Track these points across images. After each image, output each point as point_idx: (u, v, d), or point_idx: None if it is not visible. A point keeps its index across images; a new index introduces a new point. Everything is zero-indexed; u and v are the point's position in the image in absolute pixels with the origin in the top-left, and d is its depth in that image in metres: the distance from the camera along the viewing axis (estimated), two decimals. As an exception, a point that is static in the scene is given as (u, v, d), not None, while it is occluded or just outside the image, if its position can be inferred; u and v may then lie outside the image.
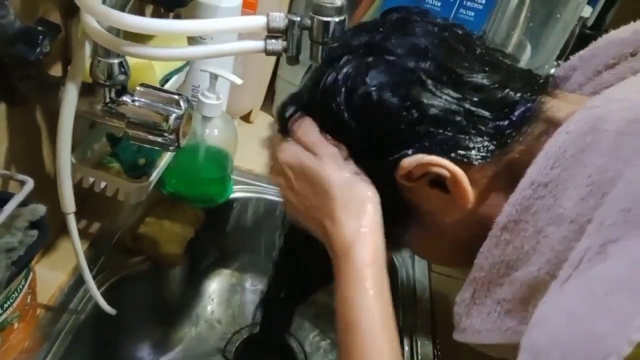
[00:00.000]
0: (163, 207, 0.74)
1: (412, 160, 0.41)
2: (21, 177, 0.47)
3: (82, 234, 0.67)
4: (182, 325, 0.82)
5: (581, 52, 0.49)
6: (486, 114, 0.41)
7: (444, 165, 0.41)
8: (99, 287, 0.60)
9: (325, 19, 0.42)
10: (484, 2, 0.80)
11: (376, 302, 0.41)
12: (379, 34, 0.44)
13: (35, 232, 0.47)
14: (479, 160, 0.41)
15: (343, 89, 0.43)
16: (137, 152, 0.62)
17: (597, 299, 0.29)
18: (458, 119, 0.41)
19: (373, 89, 0.42)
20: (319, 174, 0.44)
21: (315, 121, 0.46)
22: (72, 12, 0.51)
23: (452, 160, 0.41)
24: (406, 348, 0.67)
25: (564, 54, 1.03)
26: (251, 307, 0.86)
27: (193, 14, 0.71)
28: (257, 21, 0.43)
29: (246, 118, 1.01)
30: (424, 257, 0.64)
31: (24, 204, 0.46)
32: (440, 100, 0.41)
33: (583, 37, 1.10)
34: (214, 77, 0.67)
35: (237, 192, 0.83)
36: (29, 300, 0.53)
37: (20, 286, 0.50)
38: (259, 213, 0.85)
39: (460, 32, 0.46)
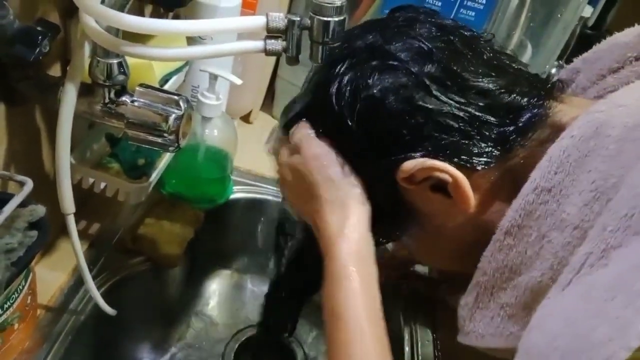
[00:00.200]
0: (163, 208, 0.74)
1: (414, 164, 0.41)
2: (20, 178, 0.47)
3: (82, 234, 0.67)
4: (182, 325, 0.82)
5: (584, 55, 0.49)
6: (491, 119, 0.41)
7: (446, 170, 0.41)
8: (99, 288, 0.60)
9: (325, 18, 0.42)
10: (484, 2, 0.80)
11: (361, 296, 0.42)
12: (384, 36, 0.44)
13: (34, 233, 0.47)
14: (482, 166, 0.41)
15: (347, 93, 0.43)
16: (136, 153, 0.62)
17: (597, 304, 0.29)
18: (462, 124, 0.41)
19: (377, 93, 0.42)
20: (306, 175, 0.45)
21: (317, 122, 0.46)
22: (71, 12, 0.51)
23: (455, 165, 0.41)
24: (407, 348, 0.67)
25: (565, 54, 1.03)
26: (251, 308, 0.86)
27: (192, 14, 0.70)
28: (257, 21, 0.43)
29: (246, 118, 1.01)
30: (423, 260, 0.64)
31: (23, 204, 0.46)
32: (444, 105, 0.41)
33: (584, 37, 1.10)
34: (214, 77, 0.67)
35: (237, 193, 0.83)
36: (29, 301, 0.52)
37: (20, 287, 0.50)
38: (258, 213, 0.85)
39: (467, 34, 0.45)
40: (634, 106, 0.36)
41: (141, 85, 0.48)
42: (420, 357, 0.66)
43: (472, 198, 0.41)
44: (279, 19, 0.43)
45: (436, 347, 0.67)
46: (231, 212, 0.83)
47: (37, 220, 0.47)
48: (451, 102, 0.41)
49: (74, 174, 0.56)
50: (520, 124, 0.41)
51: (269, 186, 0.85)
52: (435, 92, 0.41)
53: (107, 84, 0.47)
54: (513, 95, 0.42)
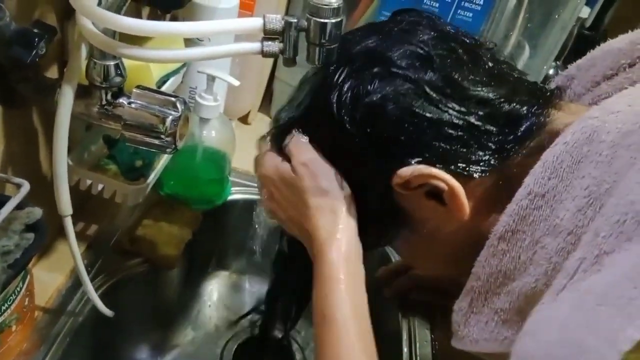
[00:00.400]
0: (161, 209, 0.74)
1: (411, 170, 0.42)
2: (17, 180, 0.47)
3: (80, 236, 0.67)
4: (180, 327, 0.82)
5: (579, 62, 0.49)
6: (490, 128, 0.41)
7: (442, 178, 0.41)
8: (96, 290, 0.60)
9: (322, 20, 0.42)
10: (482, 2, 0.80)
11: (348, 298, 0.43)
12: (386, 42, 0.44)
13: (31, 235, 0.47)
14: (479, 174, 0.41)
15: (348, 99, 0.43)
16: (134, 154, 0.62)
17: (589, 311, 0.29)
18: (461, 132, 0.41)
19: (377, 100, 0.42)
20: (295, 181, 0.46)
21: (312, 128, 0.46)
22: (68, 14, 0.51)
23: (452, 173, 0.41)
24: (405, 349, 0.67)
25: (563, 55, 1.03)
26: (249, 309, 0.86)
27: (190, 15, 0.70)
28: (254, 23, 0.42)
29: (244, 119, 1.01)
30: (416, 265, 0.65)
31: (20, 207, 0.46)
32: (444, 113, 0.41)
33: (581, 37, 1.11)
34: (211, 78, 0.67)
35: (235, 194, 0.83)
36: (26, 303, 0.52)
37: (18, 289, 0.50)
38: (257, 215, 0.85)
39: (468, 41, 0.45)
40: (627, 112, 0.36)
41: (138, 86, 0.48)
42: (418, 358, 0.66)
43: (466, 207, 0.42)
44: (276, 20, 0.42)
45: (434, 347, 0.67)
46: (229, 213, 0.83)
47: (34, 222, 0.47)
48: (451, 110, 0.41)
49: (71, 175, 0.56)
50: (519, 133, 0.41)
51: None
52: (435, 101, 0.41)
53: (104, 85, 0.47)
54: (513, 105, 0.42)
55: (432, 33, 0.44)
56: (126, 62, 0.48)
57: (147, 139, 0.48)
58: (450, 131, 0.41)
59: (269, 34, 0.43)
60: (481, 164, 0.41)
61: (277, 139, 0.50)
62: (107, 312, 0.59)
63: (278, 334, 0.76)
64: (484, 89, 0.42)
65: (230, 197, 0.81)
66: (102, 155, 0.63)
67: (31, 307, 0.55)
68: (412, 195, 0.43)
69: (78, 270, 0.55)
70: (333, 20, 0.42)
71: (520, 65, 0.91)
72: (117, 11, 0.42)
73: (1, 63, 0.46)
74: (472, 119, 0.41)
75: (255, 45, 0.43)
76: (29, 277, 0.52)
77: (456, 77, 0.42)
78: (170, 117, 0.46)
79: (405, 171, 0.42)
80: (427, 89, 0.41)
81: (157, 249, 0.69)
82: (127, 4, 0.44)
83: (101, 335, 0.65)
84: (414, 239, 0.47)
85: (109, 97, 0.48)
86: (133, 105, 0.47)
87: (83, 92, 0.47)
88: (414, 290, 0.70)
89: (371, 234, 0.46)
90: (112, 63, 0.46)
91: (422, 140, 0.41)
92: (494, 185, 0.42)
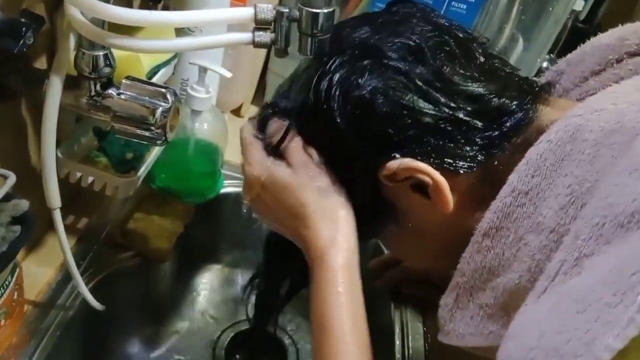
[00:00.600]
0: (152, 202, 0.73)
1: (397, 163, 0.42)
2: (3, 171, 0.46)
3: (71, 229, 0.67)
4: (173, 320, 0.82)
5: (568, 56, 0.49)
6: (478, 124, 0.41)
7: (427, 172, 0.41)
8: (87, 283, 0.59)
9: (314, 10, 0.42)
10: (475, -6, 0.80)
11: (347, 305, 0.43)
12: (377, 33, 0.44)
13: (18, 228, 0.46)
14: (465, 170, 0.41)
15: (337, 92, 0.43)
16: (124, 147, 0.61)
17: (568, 316, 0.29)
18: (449, 127, 0.41)
19: (367, 93, 0.42)
20: (291, 184, 0.45)
21: (306, 124, 0.46)
22: (57, 3, 0.50)
23: (438, 167, 0.41)
24: (397, 342, 0.67)
25: (557, 48, 1.03)
26: (242, 302, 0.86)
27: (182, 5, 0.70)
28: (245, 12, 0.42)
29: (237, 112, 1.00)
30: (404, 259, 0.66)
31: (6, 199, 0.46)
32: (432, 108, 0.41)
33: (575, 30, 1.10)
34: (203, 70, 0.66)
35: (228, 187, 0.82)
36: (15, 297, 0.52)
37: (7, 282, 0.49)
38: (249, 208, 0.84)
39: (461, 35, 0.45)
40: (611, 111, 0.36)
41: (127, 77, 0.47)
42: (410, 351, 0.66)
43: (450, 201, 0.42)
44: (267, 10, 0.42)
45: (426, 340, 0.67)
46: (222, 206, 0.83)
47: (21, 214, 0.47)
48: (440, 105, 0.41)
49: (61, 168, 0.56)
50: (506, 129, 0.41)
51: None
52: (424, 95, 0.41)
53: (92, 76, 0.46)
54: (502, 100, 0.42)
55: (425, 26, 0.44)
56: (116, 52, 0.48)
57: (137, 131, 0.47)
58: (438, 126, 0.41)
59: (260, 24, 0.42)
60: (467, 159, 0.41)
61: (263, 125, 0.49)
62: (98, 305, 0.59)
63: (270, 327, 0.76)
64: (474, 84, 0.42)
65: (223, 190, 0.81)
66: (93, 147, 0.62)
67: (20, 301, 0.54)
68: (399, 187, 0.43)
69: (67, 264, 0.54)
70: (325, 11, 0.42)
71: (514, 58, 0.91)
72: (106, 0, 0.41)
73: (-10, 54, 0.45)
74: (460, 114, 0.41)
75: (247, 36, 0.43)
76: (18, 270, 0.51)
77: (447, 71, 0.42)
78: (160, 108, 0.46)
79: (392, 164, 0.42)
80: (418, 83, 0.41)
81: (149, 242, 0.69)
82: (115, -7, 0.43)
83: (92, 329, 0.65)
84: (402, 232, 0.47)
85: (97, 88, 0.47)
86: (122, 97, 0.47)
87: (72, 83, 0.47)
88: (405, 283, 0.70)
89: (360, 227, 0.46)
90: (101, 53, 0.46)
91: (410, 134, 0.41)
92: (480, 181, 0.42)
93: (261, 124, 0.49)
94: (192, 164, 0.74)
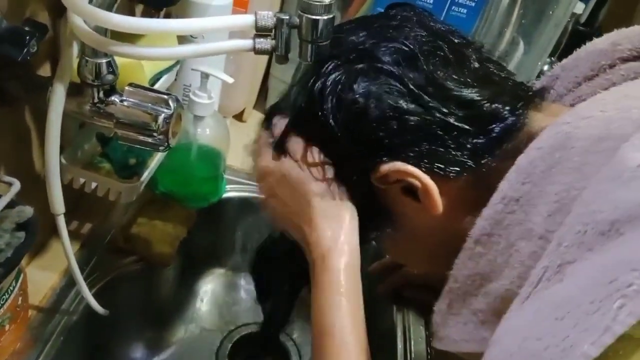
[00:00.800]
0: (155, 207, 0.74)
1: (389, 166, 0.42)
2: (8, 178, 0.47)
3: (74, 234, 0.67)
4: (176, 325, 0.82)
5: (564, 61, 0.49)
6: (469, 129, 0.41)
7: (416, 175, 0.42)
8: (91, 288, 0.60)
9: (313, 17, 0.42)
10: (476, -1, 0.80)
11: (348, 308, 0.43)
12: (373, 37, 0.44)
13: (22, 234, 0.47)
14: (455, 175, 0.42)
15: (331, 96, 0.43)
16: (127, 152, 0.61)
17: (548, 322, 0.30)
18: (440, 132, 0.41)
19: (360, 97, 0.42)
20: (299, 181, 0.46)
21: (302, 125, 0.46)
22: (60, 11, 0.51)
23: (428, 171, 0.42)
24: (399, 345, 0.67)
25: (557, 51, 1.03)
26: (245, 307, 0.86)
27: (184, 12, 0.70)
28: (245, 20, 0.42)
29: (239, 117, 1.01)
30: (401, 262, 0.66)
31: (11, 205, 0.46)
32: (424, 113, 0.41)
33: (576, 33, 1.11)
34: (205, 76, 0.66)
35: (230, 192, 0.83)
36: (20, 302, 0.52)
37: (11, 288, 0.50)
38: (252, 212, 0.85)
39: (457, 41, 0.45)
40: (598, 118, 0.36)
41: (130, 84, 0.48)
42: (413, 355, 0.66)
43: (439, 205, 0.42)
44: (267, 17, 0.42)
45: (429, 344, 0.67)
46: (224, 210, 0.83)
47: (25, 221, 0.47)
48: (432, 110, 0.41)
49: (64, 174, 0.56)
50: (496, 135, 0.41)
51: (262, 185, 0.85)
52: (416, 100, 0.42)
53: (95, 83, 0.46)
54: (494, 106, 0.42)
55: (421, 31, 0.44)
56: (118, 60, 0.48)
57: (140, 137, 0.47)
58: (429, 131, 0.41)
59: (260, 31, 0.43)
60: (457, 164, 0.41)
61: (268, 129, 0.50)
62: (102, 310, 0.59)
63: (274, 332, 0.76)
64: (466, 89, 0.42)
65: (225, 195, 0.81)
66: (96, 153, 0.62)
67: (25, 306, 0.55)
68: (391, 190, 0.44)
69: (71, 269, 0.55)
70: (325, 17, 0.42)
71: (514, 62, 0.91)
72: (109, 9, 0.42)
73: (-8, 61, 0.46)
74: (452, 120, 0.41)
75: (247, 43, 0.43)
76: (22, 276, 0.52)
77: (440, 76, 0.42)
78: (163, 114, 0.46)
79: (383, 167, 0.42)
80: (410, 88, 0.42)
81: (152, 246, 0.69)
82: (118, 1, 0.43)
83: (95, 334, 0.65)
84: (396, 235, 0.47)
85: (100, 94, 0.47)
86: (125, 103, 0.47)
87: (75, 90, 0.47)
88: (406, 287, 0.70)
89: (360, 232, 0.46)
90: (104, 61, 0.46)
91: (402, 138, 0.42)
92: (471, 186, 0.42)
93: (267, 124, 0.51)
94: (194, 169, 0.75)
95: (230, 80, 0.67)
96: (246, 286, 0.89)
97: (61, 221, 0.51)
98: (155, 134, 0.47)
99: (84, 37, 0.42)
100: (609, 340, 0.26)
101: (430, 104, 0.41)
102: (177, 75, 0.71)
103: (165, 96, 0.47)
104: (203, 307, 0.86)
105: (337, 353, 0.42)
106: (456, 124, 0.41)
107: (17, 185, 0.46)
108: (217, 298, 0.87)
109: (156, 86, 0.61)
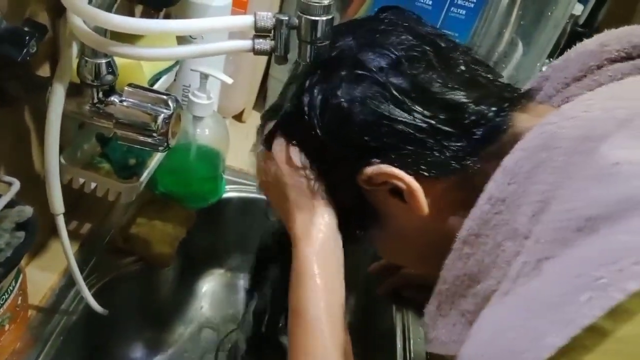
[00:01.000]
0: (155, 207, 0.74)
1: (373, 169, 0.43)
2: (7, 178, 0.47)
3: (73, 234, 0.67)
4: (175, 325, 0.82)
5: (554, 62, 0.50)
6: (453, 132, 0.42)
7: (401, 177, 0.42)
8: (90, 288, 0.60)
9: (312, 17, 0.42)
10: (475, 0, 0.80)
11: (321, 294, 0.45)
12: (358, 42, 0.45)
13: (22, 234, 0.47)
14: (440, 176, 0.42)
15: (317, 102, 0.45)
16: (127, 153, 0.62)
17: (520, 315, 0.30)
18: (424, 135, 0.42)
19: (344, 102, 0.43)
20: (280, 178, 0.49)
21: (290, 128, 0.48)
22: (59, 12, 0.51)
23: (414, 173, 0.42)
24: (399, 345, 0.68)
25: (556, 52, 1.03)
26: (244, 307, 0.86)
27: (183, 13, 0.70)
28: (245, 20, 0.43)
29: (238, 117, 1.01)
30: (394, 262, 0.67)
31: (10, 205, 0.46)
32: (408, 117, 0.42)
33: (575, 34, 1.11)
34: (204, 76, 0.66)
35: (230, 192, 0.83)
36: (19, 302, 0.52)
37: (11, 287, 0.50)
38: (251, 212, 0.85)
39: (443, 45, 0.46)
40: (583, 118, 0.36)
41: (130, 85, 0.48)
42: (412, 355, 0.66)
43: (425, 206, 0.43)
44: (266, 18, 0.42)
45: (428, 344, 0.67)
46: (224, 211, 0.83)
47: (25, 220, 0.47)
48: (415, 114, 0.42)
49: (64, 174, 0.56)
50: (481, 137, 0.42)
51: (261, 185, 0.85)
52: (400, 104, 0.42)
53: (95, 83, 0.47)
54: (479, 108, 0.42)
55: (407, 36, 0.45)
56: (118, 60, 0.48)
57: (139, 137, 0.48)
58: (413, 134, 0.42)
59: (260, 32, 0.43)
60: (442, 166, 0.42)
61: (262, 134, 0.52)
62: (101, 310, 0.59)
63: (273, 332, 0.76)
64: (451, 92, 0.43)
65: (225, 195, 0.81)
66: (95, 153, 0.62)
67: (24, 306, 0.55)
68: (378, 192, 0.45)
69: (71, 269, 0.55)
70: (324, 18, 0.42)
71: (513, 62, 0.91)
72: (108, 9, 0.42)
73: (-8, 61, 0.46)
74: (435, 122, 0.42)
75: (247, 43, 0.43)
76: (22, 276, 0.52)
77: (424, 81, 0.43)
78: (162, 115, 0.46)
79: (368, 170, 0.43)
80: (394, 92, 0.42)
81: (151, 247, 0.69)
82: (118, 1, 0.43)
83: (95, 334, 0.65)
84: (386, 236, 0.48)
85: (100, 95, 0.48)
86: (125, 104, 0.47)
87: (74, 91, 0.47)
88: (406, 287, 0.71)
89: (344, 231, 0.48)
90: (103, 61, 0.46)
91: (386, 142, 0.43)
92: (457, 187, 0.43)
93: (262, 127, 0.53)
94: (194, 169, 0.75)
95: (229, 80, 0.67)
96: (245, 287, 0.89)
97: (61, 221, 0.51)
98: (154, 134, 0.47)
99: (84, 37, 0.42)
100: (574, 331, 0.27)
101: (414, 108, 0.42)
102: (176, 75, 0.71)
103: (165, 96, 0.47)
104: (202, 307, 0.86)
105: (310, 334, 0.44)
106: (440, 126, 0.42)
107: (16, 185, 0.46)
108: (217, 298, 0.87)
109: (155, 86, 0.62)
